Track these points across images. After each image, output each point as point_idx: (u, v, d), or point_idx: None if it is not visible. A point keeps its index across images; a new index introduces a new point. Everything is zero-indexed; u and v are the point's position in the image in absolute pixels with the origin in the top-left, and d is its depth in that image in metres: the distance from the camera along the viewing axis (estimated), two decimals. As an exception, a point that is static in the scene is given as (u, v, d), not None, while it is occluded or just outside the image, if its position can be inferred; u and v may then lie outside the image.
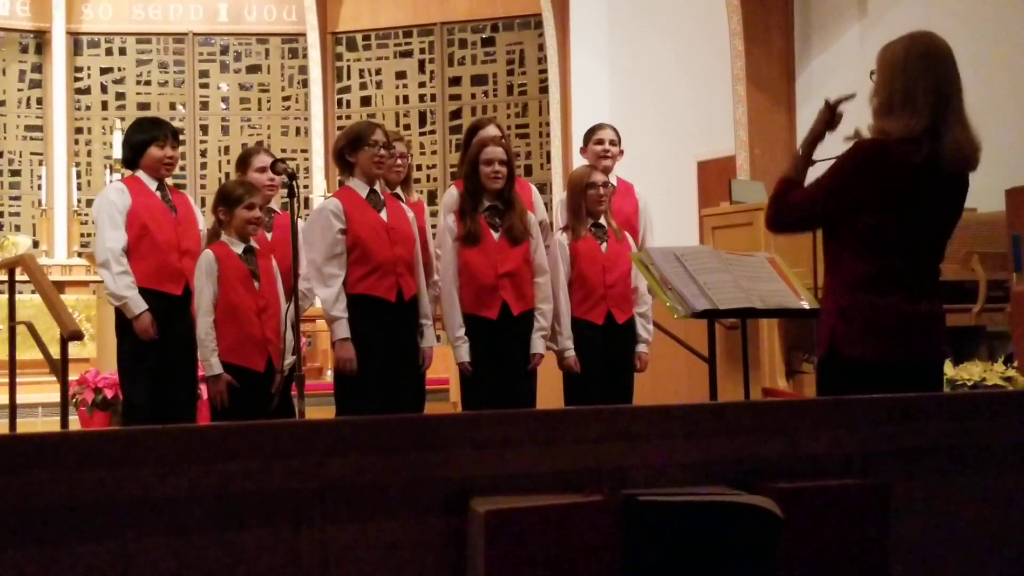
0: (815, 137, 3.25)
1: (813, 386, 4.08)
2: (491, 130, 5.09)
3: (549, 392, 5.06)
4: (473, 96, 13.17)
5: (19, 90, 12.92)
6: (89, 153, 13.08)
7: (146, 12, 13.28)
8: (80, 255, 11.65)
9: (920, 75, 3.03)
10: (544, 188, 11.83)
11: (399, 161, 5.07)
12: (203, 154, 13.27)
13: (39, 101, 12.96)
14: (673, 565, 2.04)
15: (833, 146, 3.22)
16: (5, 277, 6.11)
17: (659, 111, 11.14)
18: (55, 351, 5.38)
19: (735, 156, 10.12)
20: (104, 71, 13.23)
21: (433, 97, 13.27)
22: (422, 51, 13.33)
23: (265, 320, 4.65)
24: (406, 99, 13.37)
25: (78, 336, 5.18)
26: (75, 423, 7.28)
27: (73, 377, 6.80)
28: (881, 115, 3.10)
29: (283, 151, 12.76)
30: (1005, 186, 5.95)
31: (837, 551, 2.19)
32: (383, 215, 4.65)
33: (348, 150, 4.67)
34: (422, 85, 13.32)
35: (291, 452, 1.91)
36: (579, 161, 6.21)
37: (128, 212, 4.87)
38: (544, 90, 12.72)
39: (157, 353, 4.84)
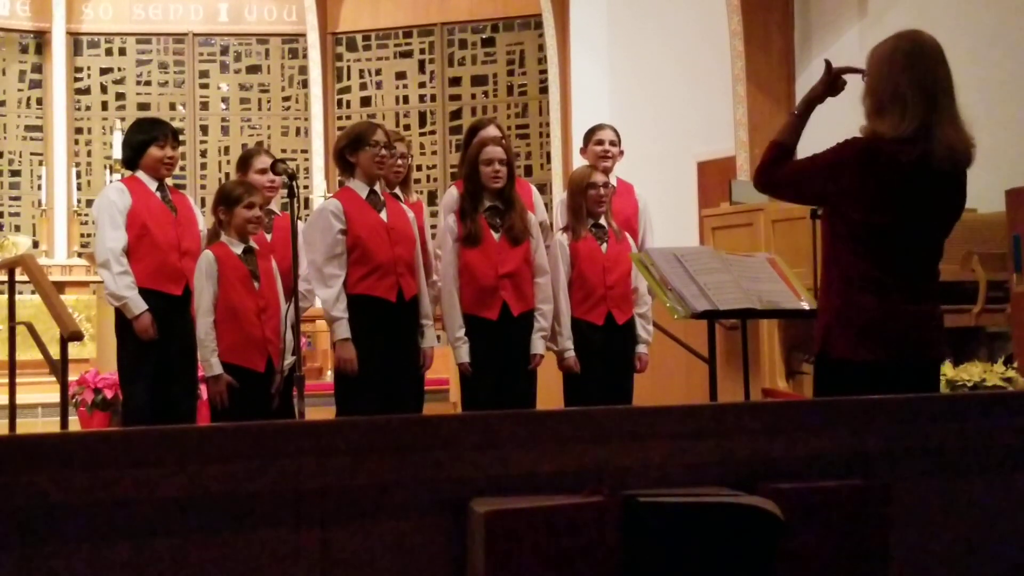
0: (813, 99, 3.19)
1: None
2: (491, 130, 5.09)
3: (549, 392, 5.06)
4: (473, 96, 13.17)
5: (19, 90, 12.93)
6: (89, 153, 13.08)
7: (146, 12, 13.28)
8: (80, 255, 11.65)
9: (908, 74, 3.01)
10: (544, 188, 11.83)
11: (400, 161, 5.07)
12: (203, 154, 13.27)
13: (39, 101, 12.97)
14: (673, 566, 2.04)
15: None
16: (5, 277, 6.12)
17: (659, 111, 11.13)
18: (55, 351, 5.38)
19: (735, 156, 10.11)
20: (104, 71, 13.23)
21: (433, 97, 13.27)
22: (422, 51, 13.33)
23: (265, 320, 4.65)
24: (406, 99, 13.37)
25: (78, 336, 5.19)
26: (75, 423, 7.29)
27: (73, 377, 6.81)
28: (872, 116, 3.08)
29: (283, 151, 12.76)
30: (1005, 186, 5.95)
31: (837, 552, 2.19)
32: (383, 215, 4.65)
33: (349, 150, 4.67)
34: (422, 85, 13.32)
35: (291, 452, 1.91)
36: (579, 161, 6.21)
37: (128, 212, 4.88)
38: (544, 90, 12.72)
39: (157, 353, 4.85)
